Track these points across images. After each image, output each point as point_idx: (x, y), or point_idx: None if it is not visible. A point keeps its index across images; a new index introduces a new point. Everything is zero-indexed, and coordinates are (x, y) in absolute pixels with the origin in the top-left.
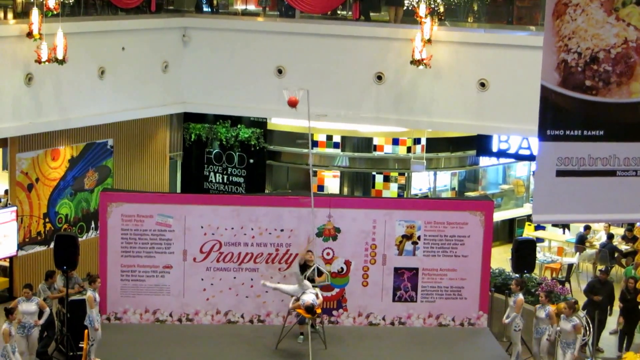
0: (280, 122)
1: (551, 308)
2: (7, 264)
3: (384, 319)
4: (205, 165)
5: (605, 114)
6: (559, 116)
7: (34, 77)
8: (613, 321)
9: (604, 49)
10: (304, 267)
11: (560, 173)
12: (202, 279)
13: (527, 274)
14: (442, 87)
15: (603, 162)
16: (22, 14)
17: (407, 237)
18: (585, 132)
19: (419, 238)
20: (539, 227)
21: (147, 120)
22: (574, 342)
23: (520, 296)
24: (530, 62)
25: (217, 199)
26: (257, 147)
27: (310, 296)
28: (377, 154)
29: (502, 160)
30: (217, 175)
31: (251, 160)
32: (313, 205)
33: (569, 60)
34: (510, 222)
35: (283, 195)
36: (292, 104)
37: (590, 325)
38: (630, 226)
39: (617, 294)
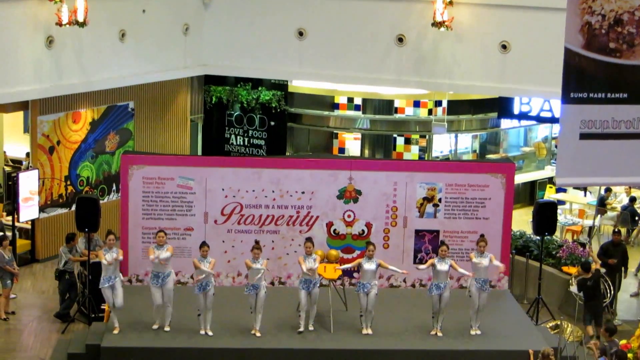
0: (301, 84)
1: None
2: (29, 226)
3: (404, 281)
4: (226, 128)
5: (629, 76)
6: (582, 79)
7: (54, 40)
8: (631, 283)
9: (628, 11)
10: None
11: (583, 136)
12: (223, 241)
13: (547, 236)
14: (463, 49)
15: (627, 124)
16: None
17: (428, 199)
18: (609, 95)
19: (440, 200)
20: (560, 190)
21: (168, 82)
22: (488, 280)
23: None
24: (553, 24)
25: (238, 162)
26: (278, 110)
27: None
28: (398, 116)
29: (524, 122)
30: (238, 137)
31: (272, 123)
32: None
33: (592, 22)
34: (532, 184)
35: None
36: None
37: (611, 287)
38: None
39: (631, 256)
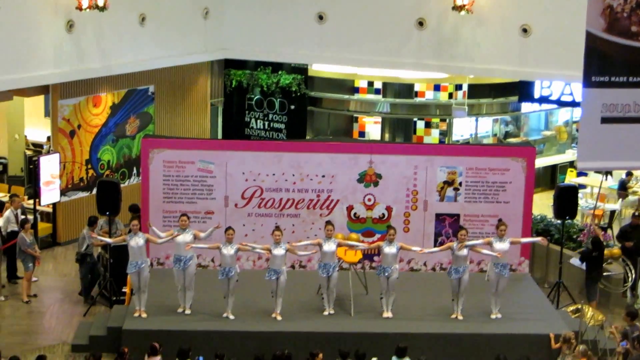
0: (321, 68)
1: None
2: (50, 209)
3: (425, 264)
4: (246, 112)
5: None
6: (604, 62)
7: (75, 24)
8: None
9: None
10: None
11: (605, 120)
12: (244, 225)
13: (568, 220)
14: (484, 33)
15: None
16: None
17: (448, 183)
18: (630, 79)
19: (460, 184)
20: (581, 174)
21: (188, 66)
22: (507, 265)
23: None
24: (574, 7)
25: (258, 145)
26: (298, 93)
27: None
28: (418, 100)
29: (545, 106)
30: (258, 121)
31: (292, 107)
32: None
33: (614, 5)
34: (553, 168)
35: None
36: None
37: (633, 270)
38: None
39: None
